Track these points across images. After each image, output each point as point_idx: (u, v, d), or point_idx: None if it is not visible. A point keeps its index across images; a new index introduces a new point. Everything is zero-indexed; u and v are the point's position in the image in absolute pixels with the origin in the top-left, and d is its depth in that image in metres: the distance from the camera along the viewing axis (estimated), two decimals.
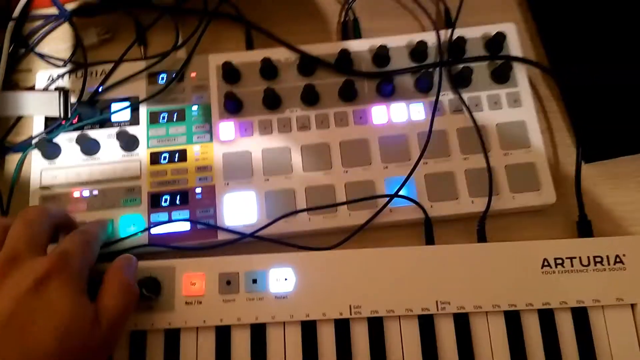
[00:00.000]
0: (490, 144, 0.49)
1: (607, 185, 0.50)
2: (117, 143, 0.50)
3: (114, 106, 0.51)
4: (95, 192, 0.49)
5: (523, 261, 0.44)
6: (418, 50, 0.51)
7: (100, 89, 0.52)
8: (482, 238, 0.47)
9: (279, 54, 0.52)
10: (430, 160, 0.49)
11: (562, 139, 0.52)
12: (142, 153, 0.50)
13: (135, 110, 0.51)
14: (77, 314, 0.36)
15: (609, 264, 0.44)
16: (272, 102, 0.50)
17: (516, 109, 0.50)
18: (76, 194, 0.49)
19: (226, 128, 0.50)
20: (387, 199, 0.47)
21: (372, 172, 0.49)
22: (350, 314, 0.43)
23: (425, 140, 0.48)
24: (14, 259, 0.36)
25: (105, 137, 0.50)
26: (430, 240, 0.47)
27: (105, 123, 0.51)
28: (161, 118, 0.51)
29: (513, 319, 0.43)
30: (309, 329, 0.43)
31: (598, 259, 0.44)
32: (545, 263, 0.44)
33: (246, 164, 0.49)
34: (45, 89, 0.52)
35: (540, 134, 0.49)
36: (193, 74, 0.52)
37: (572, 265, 0.44)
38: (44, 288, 0.35)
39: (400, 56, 0.52)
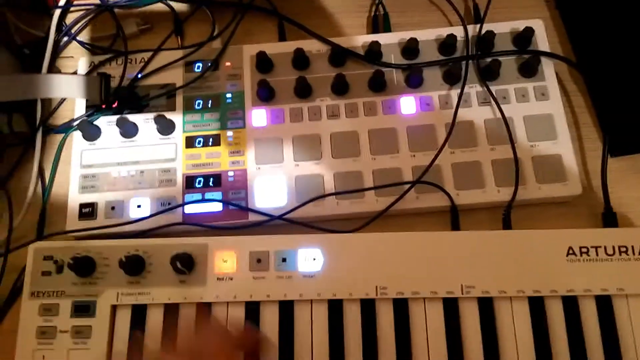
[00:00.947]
0: (517, 136, 0.50)
1: (633, 180, 0.51)
2: (154, 127, 0.52)
3: (152, 92, 0.53)
4: (133, 173, 0.51)
5: (548, 249, 0.44)
6: (447, 44, 0.52)
7: (139, 76, 0.54)
8: (507, 226, 0.48)
9: (311, 46, 0.54)
10: (457, 150, 0.50)
11: (588, 133, 0.52)
12: (178, 137, 0.52)
13: (171, 96, 0.53)
14: None
15: (633, 254, 0.44)
16: (303, 91, 0.52)
17: (543, 102, 0.51)
18: (114, 174, 0.51)
19: (258, 115, 0.52)
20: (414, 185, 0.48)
21: (399, 160, 0.50)
22: (376, 295, 0.44)
23: (450, 129, 0.49)
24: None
25: (142, 121, 0.53)
26: (456, 227, 0.48)
27: (143, 108, 0.53)
28: (196, 104, 0.53)
29: (537, 305, 0.44)
30: (335, 308, 0.45)
31: (623, 249, 0.44)
32: (571, 251, 0.44)
33: (277, 150, 0.51)
34: (87, 74, 0.54)
35: (567, 127, 0.50)
36: (228, 64, 0.54)
37: (597, 254, 0.44)
38: None
39: (429, 49, 0.53)
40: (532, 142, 0.50)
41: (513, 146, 0.49)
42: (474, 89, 0.52)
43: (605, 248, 0.44)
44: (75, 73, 0.56)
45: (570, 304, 0.44)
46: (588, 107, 0.53)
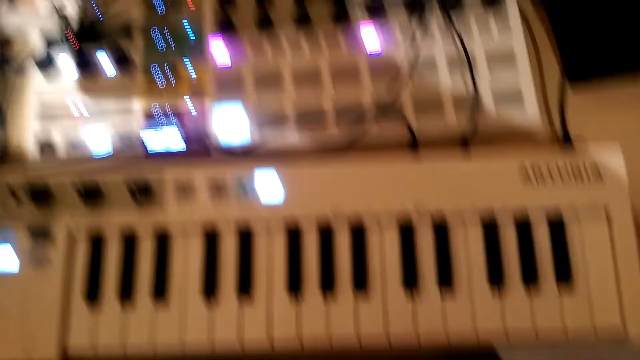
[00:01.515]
0: (478, 66, 0.50)
1: (591, 107, 0.51)
2: (112, 61, 0.51)
3: (110, 27, 0.53)
4: (92, 108, 0.50)
5: (503, 172, 0.45)
6: None
7: (98, 13, 0.53)
8: (466, 154, 0.48)
9: None
10: (418, 79, 0.50)
11: (549, 63, 0.52)
12: (137, 71, 0.51)
13: (130, 31, 0.53)
14: None
15: (587, 174, 0.45)
16: (264, 22, 0.51)
17: (505, 33, 0.51)
18: (73, 110, 0.50)
19: (219, 47, 0.51)
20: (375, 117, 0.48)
21: (361, 91, 0.50)
22: (334, 219, 0.45)
23: (411, 61, 0.49)
24: None
25: (101, 56, 0.52)
26: (416, 157, 0.48)
27: (102, 43, 0.52)
28: (156, 38, 0.52)
29: (490, 228, 0.45)
30: (294, 233, 0.45)
31: (576, 169, 0.45)
32: (525, 174, 0.45)
33: (238, 82, 0.51)
34: (45, 12, 0.53)
35: (527, 57, 0.50)
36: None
37: (550, 176, 0.45)
38: None
39: None
40: (492, 71, 0.50)
41: (472, 75, 0.49)
42: (435, 18, 0.51)
43: (558, 169, 0.45)
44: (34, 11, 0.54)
45: (523, 226, 0.45)
46: (549, 37, 0.53)
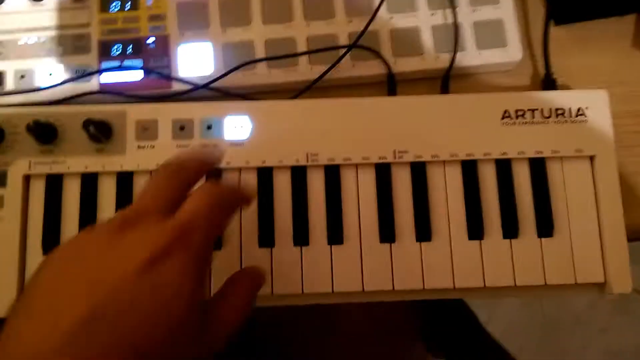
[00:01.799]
0: (459, 1, 0.47)
1: (575, 48, 0.49)
2: None
3: None
4: (43, 39, 0.46)
5: (483, 112, 0.43)
6: None
7: None
8: (445, 92, 0.46)
9: None
10: (396, 15, 0.47)
11: (535, 4, 0.50)
12: (92, 0, 0.47)
13: None
14: (188, 312, 0.28)
15: (570, 116, 0.43)
16: None
17: None
18: (23, 41, 0.46)
19: None
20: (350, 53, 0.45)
21: (335, 25, 0.47)
22: (307, 161, 0.42)
23: None
24: (136, 218, 0.29)
25: None
26: (393, 96, 0.46)
27: None
28: None
29: (469, 168, 0.43)
30: (264, 175, 0.43)
31: (560, 111, 0.43)
32: (506, 114, 0.43)
33: (202, 14, 0.47)
34: None
35: None
36: None
37: (533, 117, 0.43)
38: (157, 268, 0.27)
39: None
40: (474, 7, 0.47)
41: (453, 9, 0.46)
42: None
43: (542, 110, 0.43)
44: None
45: (503, 167, 0.43)
46: None
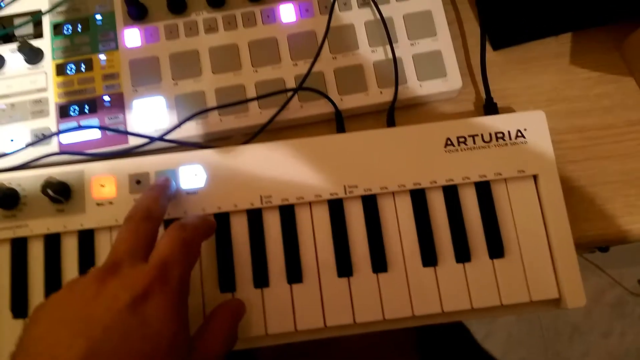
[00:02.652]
0: (398, 35, 0.49)
1: (515, 71, 0.51)
2: (21, 57, 0.49)
3: (16, 21, 0.50)
4: (3, 107, 0.48)
5: (427, 142, 0.45)
6: None
7: (2, 5, 0.50)
8: (391, 126, 0.48)
9: None
10: (339, 54, 0.49)
11: (471, 28, 0.52)
12: (48, 65, 0.49)
13: (38, 23, 0.50)
14: (175, 341, 0.31)
15: (510, 138, 0.45)
16: (177, 5, 0.49)
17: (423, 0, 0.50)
18: None
19: (131, 35, 0.49)
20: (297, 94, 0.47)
21: (282, 70, 0.49)
22: (262, 204, 0.44)
23: (324, 34, 0.48)
24: (114, 267, 0.32)
25: (9, 52, 0.49)
26: (342, 133, 0.48)
27: (9, 39, 0.50)
28: (65, 29, 0.50)
29: (418, 197, 0.44)
30: (221, 221, 0.44)
31: (500, 135, 0.45)
32: (449, 142, 0.45)
33: (154, 70, 0.49)
34: None
35: (447, 22, 0.49)
36: None
37: (474, 142, 0.45)
38: (142, 307, 0.30)
39: None
40: (413, 40, 0.49)
41: (392, 46, 0.48)
42: None
43: (482, 136, 0.45)
44: None
45: (450, 193, 0.44)
46: (470, 2, 0.53)
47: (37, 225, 0.43)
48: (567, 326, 1.39)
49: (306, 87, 0.47)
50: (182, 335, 0.32)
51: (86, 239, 0.44)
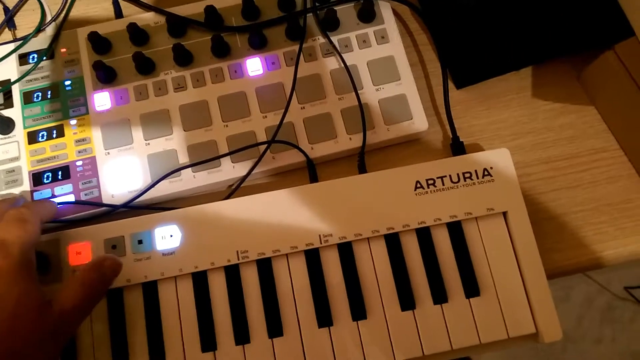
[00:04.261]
0: (363, 82, 0.50)
1: (479, 107, 0.53)
2: None
3: None
4: None
5: (397, 186, 0.46)
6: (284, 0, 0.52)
7: None
8: (362, 171, 0.49)
9: (148, 19, 0.52)
10: (307, 104, 0.50)
11: (434, 69, 0.53)
12: (19, 134, 0.49)
13: (8, 93, 0.51)
14: (22, 300, 0.36)
15: (477, 178, 0.46)
16: (145, 66, 0.50)
17: (384, 45, 0.51)
18: None
19: (101, 98, 0.50)
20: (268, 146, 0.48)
21: (252, 123, 0.50)
22: (239, 259, 0.44)
23: (292, 85, 0.49)
24: None
25: None
26: (314, 181, 0.49)
27: None
28: (35, 97, 0.50)
29: (392, 241, 0.45)
30: (199, 280, 0.44)
31: (467, 175, 0.46)
32: (418, 185, 0.46)
33: (125, 131, 0.49)
34: None
35: (409, 66, 0.51)
36: (63, 50, 0.52)
37: (443, 184, 0.46)
38: None
39: (269, 7, 0.53)
40: (378, 86, 0.50)
41: (356, 93, 0.49)
42: (317, 42, 0.52)
43: (450, 177, 0.46)
44: None
45: (423, 235, 0.45)
46: (432, 44, 0.54)
47: None
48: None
49: (278, 140, 0.48)
50: (27, 296, 0.36)
51: None
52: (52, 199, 0.47)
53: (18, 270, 0.37)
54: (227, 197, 0.48)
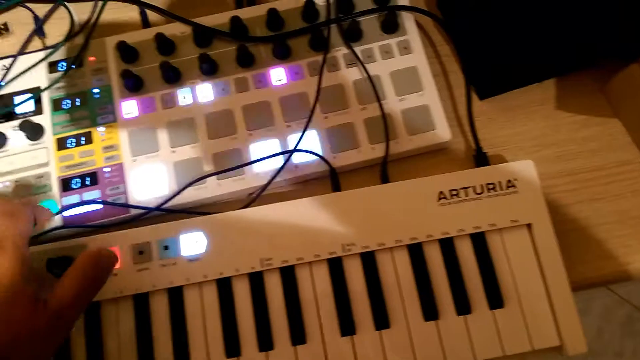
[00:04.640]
0: (385, 92, 0.51)
1: (503, 118, 0.53)
2: (22, 134, 0.50)
3: (17, 99, 0.52)
4: (7, 183, 0.49)
5: (420, 196, 0.46)
6: (308, 10, 0.52)
7: (2, 84, 0.52)
8: (385, 181, 0.49)
9: (175, 29, 0.53)
10: (330, 114, 0.50)
11: (457, 80, 0.54)
12: (49, 141, 0.50)
13: (38, 100, 0.52)
14: (14, 296, 0.35)
15: (501, 189, 0.46)
16: (171, 75, 0.51)
17: (407, 56, 0.52)
18: None
19: (128, 106, 0.51)
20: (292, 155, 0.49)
21: (276, 131, 0.50)
22: (262, 267, 0.45)
23: (316, 95, 0.50)
24: None
25: (10, 129, 0.51)
26: (337, 190, 0.49)
27: (11, 116, 0.51)
28: (64, 104, 0.51)
29: (416, 251, 0.45)
30: (224, 286, 0.45)
31: (491, 186, 0.46)
32: (442, 195, 0.46)
33: (152, 139, 0.50)
34: None
35: (432, 77, 0.51)
36: (92, 58, 0.53)
37: (466, 195, 0.46)
38: None
39: (294, 18, 0.53)
40: (400, 96, 0.51)
41: (380, 103, 0.50)
42: (340, 52, 0.52)
43: (474, 188, 0.46)
44: None
45: (447, 246, 0.45)
46: (455, 55, 0.55)
47: None
48: None
49: (300, 149, 0.49)
50: (23, 285, 0.36)
51: (91, 312, 0.44)
52: (80, 205, 0.48)
53: (13, 261, 0.36)
54: (248, 205, 0.48)
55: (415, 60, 0.51)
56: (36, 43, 0.56)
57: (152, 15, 0.57)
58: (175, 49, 0.53)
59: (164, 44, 0.52)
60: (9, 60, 0.53)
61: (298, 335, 0.44)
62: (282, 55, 0.52)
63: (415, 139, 0.49)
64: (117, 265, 0.45)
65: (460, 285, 0.44)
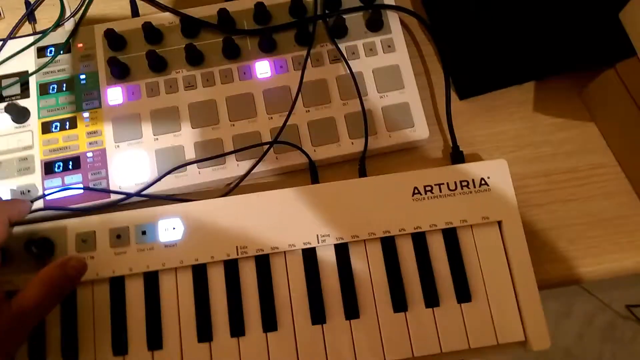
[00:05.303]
0: (368, 89, 0.52)
1: (481, 119, 0.54)
2: (8, 117, 0.51)
3: (4, 81, 0.52)
4: None
5: (396, 191, 0.47)
6: (296, 5, 0.53)
7: None
8: (363, 175, 0.50)
9: (163, 19, 0.54)
10: (312, 108, 0.51)
11: (440, 80, 0.55)
12: (34, 124, 0.51)
13: (25, 84, 0.52)
14: None
15: (474, 186, 0.47)
16: (157, 64, 0.52)
17: (390, 54, 0.53)
18: None
19: (114, 93, 0.52)
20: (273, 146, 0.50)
21: (258, 123, 0.51)
22: (238, 255, 0.46)
23: (297, 89, 0.51)
24: None
25: None
26: (315, 183, 0.50)
27: None
28: (51, 89, 0.52)
29: (388, 244, 0.46)
30: (199, 272, 0.46)
31: (464, 183, 0.47)
32: (416, 191, 0.47)
33: (135, 126, 0.51)
34: None
35: (414, 76, 0.52)
36: (80, 45, 0.54)
37: (440, 191, 0.47)
38: None
39: (281, 12, 0.54)
40: (382, 93, 0.52)
41: (360, 99, 0.51)
42: (325, 48, 0.53)
43: (447, 184, 0.47)
44: None
45: (419, 240, 0.46)
46: (437, 55, 0.56)
47: (21, 282, 0.45)
48: (559, 351, 1.40)
49: (281, 140, 0.50)
50: None
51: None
52: (62, 190, 0.49)
53: None
54: (227, 194, 0.49)
55: (398, 59, 0.52)
56: (26, 28, 0.57)
57: (142, 5, 0.57)
58: (162, 39, 0.53)
59: (152, 33, 0.52)
60: None
61: (270, 323, 0.45)
62: (268, 48, 0.53)
63: (394, 136, 0.50)
64: (94, 249, 0.46)
65: (430, 278, 0.45)
